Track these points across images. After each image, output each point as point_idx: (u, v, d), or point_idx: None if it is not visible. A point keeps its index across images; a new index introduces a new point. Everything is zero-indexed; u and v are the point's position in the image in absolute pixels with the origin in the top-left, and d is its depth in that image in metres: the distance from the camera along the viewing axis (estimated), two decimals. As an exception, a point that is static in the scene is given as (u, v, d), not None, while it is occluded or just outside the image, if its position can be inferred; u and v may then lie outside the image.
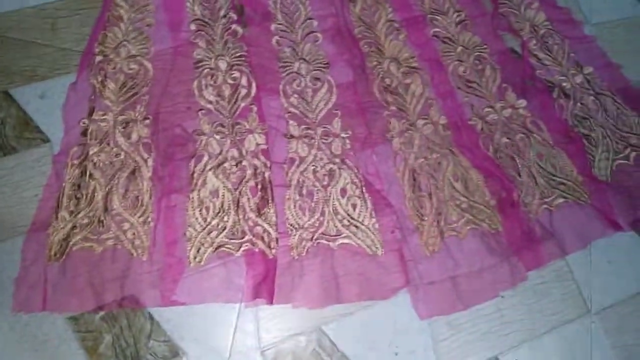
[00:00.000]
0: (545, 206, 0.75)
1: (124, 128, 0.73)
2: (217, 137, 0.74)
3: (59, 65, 0.76)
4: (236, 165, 0.72)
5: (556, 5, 0.97)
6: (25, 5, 0.80)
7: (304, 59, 0.82)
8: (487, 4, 0.94)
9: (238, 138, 0.74)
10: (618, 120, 0.84)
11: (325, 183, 0.73)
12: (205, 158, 0.72)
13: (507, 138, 0.80)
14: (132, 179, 0.70)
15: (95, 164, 0.70)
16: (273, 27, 0.84)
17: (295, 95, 0.79)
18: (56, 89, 0.75)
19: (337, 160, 0.74)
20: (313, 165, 0.74)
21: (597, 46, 0.92)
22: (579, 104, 0.85)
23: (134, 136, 0.73)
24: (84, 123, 0.72)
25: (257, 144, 0.74)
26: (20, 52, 0.76)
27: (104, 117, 0.73)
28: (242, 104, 0.77)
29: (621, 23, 0.96)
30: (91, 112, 0.73)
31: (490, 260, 0.70)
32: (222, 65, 0.79)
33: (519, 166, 0.78)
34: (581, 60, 0.90)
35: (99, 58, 0.77)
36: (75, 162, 0.70)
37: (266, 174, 0.72)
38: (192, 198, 0.69)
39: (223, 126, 0.75)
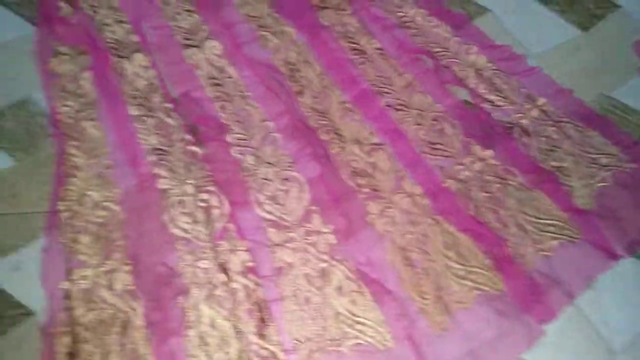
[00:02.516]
0: (540, 253, 0.74)
1: (106, 281, 0.70)
2: (201, 265, 0.71)
3: (25, 232, 0.74)
4: (226, 290, 0.69)
5: (495, 44, 0.97)
6: (-21, 179, 0.76)
7: (269, 163, 0.81)
8: (427, 61, 0.94)
9: (222, 261, 0.72)
10: (584, 143, 0.84)
11: (319, 285, 0.71)
12: (195, 291, 0.70)
13: (485, 192, 0.79)
14: (125, 332, 0.67)
15: (85, 326, 0.67)
16: (229, 138, 0.83)
17: (268, 202, 0.77)
18: (30, 256, 0.72)
19: (326, 257, 0.73)
20: (303, 270, 0.71)
21: (544, 75, 0.93)
22: (542, 138, 0.85)
23: (118, 286, 0.70)
24: (64, 287, 0.69)
25: (243, 262, 0.72)
26: (-16, 228, 0.73)
27: (83, 274, 0.70)
28: (219, 225, 0.75)
29: (560, 47, 0.98)
30: (69, 273, 0.70)
31: (502, 325, 0.68)
32: (189, 189, 0.77)
33: (504, 218, 0.76)
34: (533, 93, 0.91)
35: (65, 214, 0.74)
36: (65, 329, 0.67)
37: (259, 292, 0.70)
38: (191, 337, 0.66)
39: (204, 252, 0.72)
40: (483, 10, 1.02)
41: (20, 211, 0.76)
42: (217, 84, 0.89)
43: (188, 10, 0.99)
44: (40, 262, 0.71)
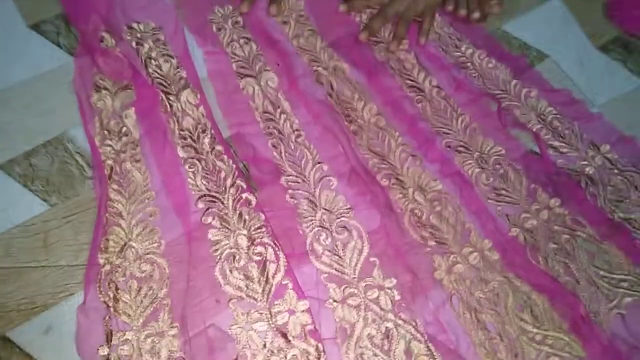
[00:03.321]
0: (615, 311, 0.68)
1: (150, 347, 0.62)
2: (257, 328, 0.64)
3: (60, 288, 0.66)
4: (285, 357, 0.62)
5: (554, 89, 0.92)
6: (9, 226, 0.70)
7: (325, 209, 0.74)
8: (488, 103, 0.90)
9: (280, 323, 0.64)
10: (653, 194, 0.76)
11: (386, 348, 0.64)
12: (249, 358, 0.62)
13: (554, 243, 0.73)
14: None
15: (126, 402, 0.57)
16: (283, 180, 0.76)
17: (327, 253, 0.70)
18: (62, 317, 0.64)
19: (390, 316, 0.66)
20: (366, 331, 0.65)
21: (606, 122, 0.88)
22: (608, 187, 0.79)
23: (164, 353, 0.62)
24: (103, 353, 0.61)
25: (302, 325, 0.64)
26: (14, 283, 0.66)
27: (124, 338, 0.62)
28: (275, 282, 0.67)
29: (622, 97, 0.94)
30: (109, 337, 0.62)
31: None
32: (242, 242, 0.70)
33: (574, 272, 0.71)
34: (595, 140, 0.85)
35: (105, 268, 0.66)
36: (103, 405, 0.57)
37: (322, 359, 0.62)
38: (246, 410, 0.57)
39: (260, 313, 0.65)
40: (543, 56, 0.98)
41: (53, 264, 0.68)
42: (271, 119, 0.83)
43: (245, 38, 0.93)
44: (75, 323, 0.63)
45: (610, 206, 0.78)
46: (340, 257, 0.71)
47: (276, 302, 0.66)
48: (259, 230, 0.71)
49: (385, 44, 0.96)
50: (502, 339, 0.66)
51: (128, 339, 0.62)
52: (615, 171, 0.82)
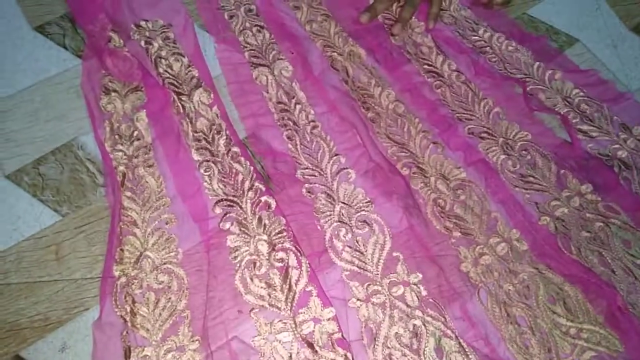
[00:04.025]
0: None
1: (171, 363, 0.58)
2: (281, 338, 0.61)
3: (74, 303, 0.64)
4: (312, 368, 0.58)
5: (580, 69, 0.89)
6: (19, 239, 0.67)
7: (344, 203, 0.71)
8: (508, 86, 0.87)
9: (305, 333, 0.62)
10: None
11: (415, 347, 0.61)
12: (276, 371, 0.58)
13: (586, 232, 0.70)
14: None
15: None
16: (299, 173, 0.74)
17: (347, 249, 0.68)
18: (78, 334, 0.62)
19: (418, 313, 0.63)
20: (393, 330, 0.62)
21: (636, 102, 0.84)
22: None
23: (185, 369, 0.58)
24: (122, 371, 0.57)
25: (330, 334, 0.62)
26: (26, 299, 0.64)
27: (143, 354, 0.60)
28: (298, 289, 0.64)
29: None
30: (127, 353, 0.60)
31: (623, 391, 0.57)
32: (263, 248, 0.67)
33: (609, 261, 0.68)
34: (626, 121, 0.82)
35: (121, 281, 0.64)
36: None
37: (350, 367, 0.58)
38: None
39: (284, 322, 0.62)
40: (572, 40, 0.94)
41: (66, 278, 0.66)
42: (286, 110, 0.81)
43: (258, 26, 0.91)
44: (91, 339, 0.61)
45: (645, 190, 0.73)
46: (361, 253, 0.68)
47: (300, 311, 0.63)
48: (279, 235, 0.68)
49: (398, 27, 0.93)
50: (533, 333, 0.63)
51: (147, 355, 0.60)
52: (651, 154, 0.76)
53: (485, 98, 0.84)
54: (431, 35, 0.92)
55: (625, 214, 0.73)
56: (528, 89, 0.86)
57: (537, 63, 0.89)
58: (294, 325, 0.62)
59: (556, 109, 0.84)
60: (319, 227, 0.70)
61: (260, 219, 0.69)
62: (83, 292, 0.65)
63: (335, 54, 0.88)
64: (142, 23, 0.88)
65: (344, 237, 0.69)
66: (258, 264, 0.66)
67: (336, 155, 0.76)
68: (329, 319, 0.62)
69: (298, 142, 0.78)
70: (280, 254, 0.66)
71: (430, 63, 0.89)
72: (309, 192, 0.73)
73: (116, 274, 0.65)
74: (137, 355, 0.60)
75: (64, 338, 0.62)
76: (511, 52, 0.91)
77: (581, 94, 0.86)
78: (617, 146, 0.80)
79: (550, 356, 0.62)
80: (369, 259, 0.68)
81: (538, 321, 0.64)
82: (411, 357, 0.61)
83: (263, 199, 0.71)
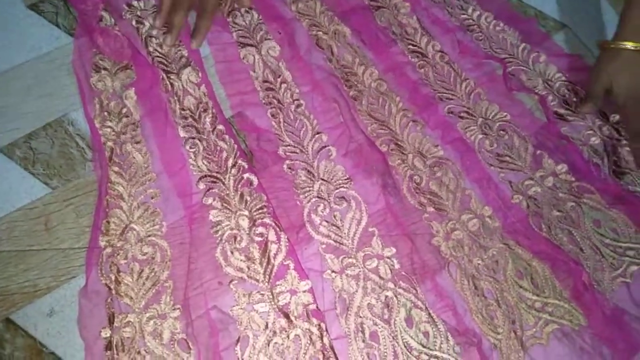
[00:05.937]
0: (620, 279, 0.68)
1: (152, 329, 0.62)
2: (258, 309, 0.64)
3: (62, 271, 0.66)
4: (287, 337, 0.62)
5: (565, 53, 0.90)
6: (11, 209, 0.70)
7: (323, 179, 0.74)
8: (491, 66, 0.88)
9: (282, 304, 0.64)
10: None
11: (386, 317, 0.64)
12: (251, 339, 0.62)
13: (558, 211, 0.72)
14: (176, 390, 0.59)
15: (130, 383, 0.58)
16: (281, 150, 0.76)
17: (324, 223, 0.70)
18: (65, 300, 0.65)
19: (390, 285, 0.66)
20: (366, 300, 0.65)
21: None
22: (613, 159, 0.78)
23: (166, 335, 0.62)
24: (105, 335, 0.62)
25: (305, 305, 0.64)
26: (17, 267, 0.66)
27: (126, 320, 0.63)
28: (277, 263, 0.67)
29: None
30: (111, 319, 0.63)
31: (584, 363, 0.60)
32: (244, 223, 0.69)
33: (578, 240, 0.70)
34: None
35: (106, 251, 0.66)
36: (107, 387, 0.58)
37: (324, 339, 0.62)
38: (251, 394, 0.58)
39: (262, 294, 0.65)
40: (560, 26, 0.96)
41: (54, 247, 0.68)
42: (271, 88, 0.82)
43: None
44: (77, 306, 0.64)
45: (614, 178, 0.77)
46: (338, 227, 0.71)
47: (278, 283, 0.66)
48: (260, 211, 0.71)
49: (387, 7, 0.94)
50: (499, 306, 0.66)
51: (130, 321, 0.63)
52: (624, 142, 0.80)
53: (468, 79, 0.86)
54: (417, 15, 0.94)
55: (598, 194, 0.75)
56: (510, 69, 0.88)
57: (523, 44, 0.91)
58: (271, 297, 0.65)
59: (535, 91, 0.85)
60: (298, 203, 0.72)
61: (242, 195, 0.72)
62: (70, 261, 0.68)
63: (320, 32, 0.89)
64: (134, 3, 0.89)
65: (322, 212, 0.72)
66: (239, 238, 0.69)
67: (318, 133, 0.78)
68: (304, 291, 0.65)
69: (282, 120, 0.79)
70: (260, 229, 0.69)
71: (414, 43, 0.91)
72: (289, 168, 0.75)
73: (102, 244, 0.67)
74: (120, 321, 0.63)
75: (52, 304, 0.65)
76: (498, 32, 0.93)
77: (563, 78, 0.87)
78: (590, 132, 0.81)
79: (514, 327, 0.64)
80: (345, 233, 0.70)
81: (505, 294, 0.67)
82: (382, 327, 0.64)
83: (245, 176, 0.73)
